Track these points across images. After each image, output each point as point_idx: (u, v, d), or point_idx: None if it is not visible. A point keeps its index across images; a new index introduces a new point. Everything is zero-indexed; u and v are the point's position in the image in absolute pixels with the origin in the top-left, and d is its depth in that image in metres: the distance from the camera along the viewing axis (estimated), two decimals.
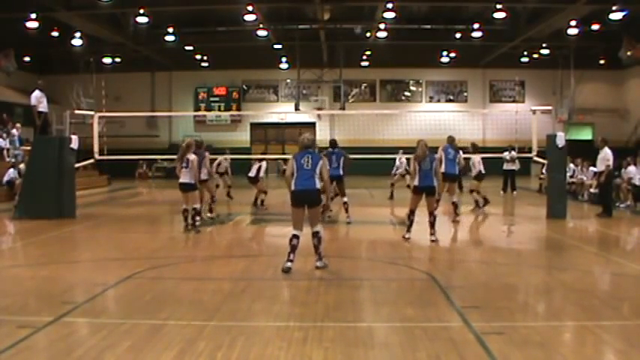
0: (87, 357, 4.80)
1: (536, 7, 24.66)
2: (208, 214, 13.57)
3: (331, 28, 29.11)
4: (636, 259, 9.49)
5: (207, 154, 13.55)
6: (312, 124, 33.76)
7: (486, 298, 6.80)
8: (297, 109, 31.46)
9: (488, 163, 17.96)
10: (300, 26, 29.45)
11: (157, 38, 29.70)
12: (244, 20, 26.02)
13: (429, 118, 27.28)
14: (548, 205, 14.27)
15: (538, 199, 17.47)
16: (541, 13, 25.37)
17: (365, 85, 36.02)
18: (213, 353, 4.87)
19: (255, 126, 35.30)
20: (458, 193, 14.11)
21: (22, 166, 18.38)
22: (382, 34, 28.97)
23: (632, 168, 17.00)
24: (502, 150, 21.14)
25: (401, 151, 19.11)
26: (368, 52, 33.40)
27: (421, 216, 10.87)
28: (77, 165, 15.03)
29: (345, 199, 13.42)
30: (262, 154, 17.82)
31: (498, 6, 24.41)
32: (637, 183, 16.69)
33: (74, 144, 14.33)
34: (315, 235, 8.06)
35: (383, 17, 25.65)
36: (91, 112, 19.06)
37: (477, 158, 16.34)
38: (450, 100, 35.62)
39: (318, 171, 8.05)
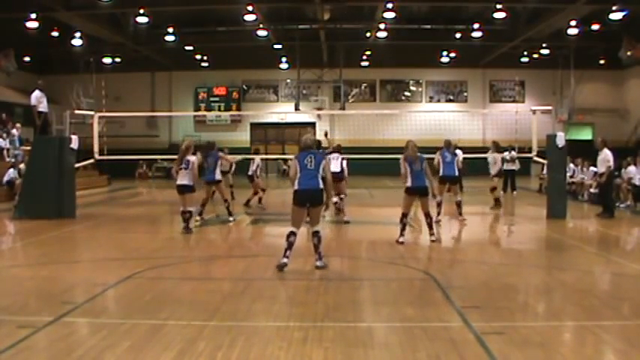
0: (87, 357, 4.80)
1: (536, 7, 24.66)
2: (230, 218, 13.51)
3: (331, 28, 29.11)
4: (636, 259, 9.49)
5: (220, 154, 13.55)
6: (312, 124, 33.79)
7: (486, 298, 6.79)
8: (297, 109, 31.47)
9: (488, 163, 17.99)
10: (300, 26, 29.46)
11: (157, 38, 29.70)
12: (244, 20, 26.04)
13: (429, 118, 27.31)
14: (548, 205, 14.27)
15: (538, 199, 17.47)
16: (541, 13, 25.38)
17: (365, 85, 36.03)
18: (213, 353, 4.87)
19: (255, 126, 35.31)
20: (459, 193, 14.10)
21: (22, 166, 18.38)
22: (382, 34, 28.97)
23: (632, 168, 17.00)
24: (502, 150, 21.11)
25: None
26: (368, 52, 33.41)
27: (422, 216, 10.86)
28: (77, 165, 15.03)
29: (336, 199, 13.43)
30: (255, 152, 17.77)
31: (498, 6, 24.42)
32: (637, 183, 16.69)
33: (74, 144, 14.33)
34: (315, 234, 8.08)
35: (383, 17, 25.66)
36: (91, 112, 19.06)
37: (498, 156, 16.47)
38: (450, 100, 35.63)
39: (321, 171, 8.10)
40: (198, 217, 13.27)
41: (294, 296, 7.07)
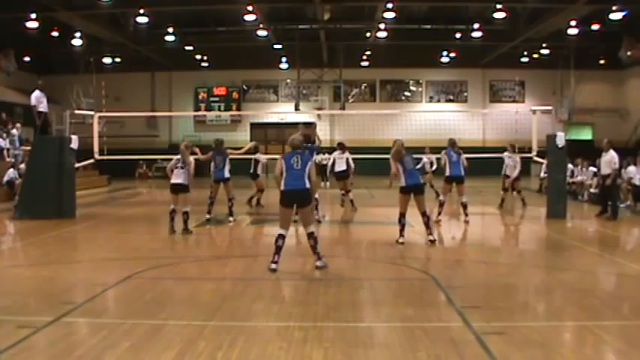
0: (87, 357, 4.80)
1: (536, 7, 24.65)
2: (230, 218, 13.51)
3: (331, 28, 29.11)
4: (636, 259, 9.49)
5: (228, 152, 13.54)
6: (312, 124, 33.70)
7: (486, 298, 6.80)
8: (297, 109, 31.46)
9: (489, 163, 17.99)
10: (300, 26, 29.46)
11: (157, 38, 29.70)
12: (244, 20, 26.02)
13: (429, 118, 27.38)
14: (548, 205, 14.27)
15: (538, 199, 17.46)
16: (541, 13, 25.37)
17: (365, 85, 36.03)
18: (213, 353, 4.87)
19: (255, 126, 35.31)
20: (465, 194, 14.05)
21: (22, 166, 18.38)
22: (382, 34, 28.96)
23: (632, 168, 17.01)
24: (502, 150, 21.11)
25: (427, 148, 18.90)
26: (368, 52, 33.41)
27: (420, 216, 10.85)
28: (77, 165, 15.04)
29: (316, 196, 13.42)
30: (255, 149, 17.76)
31: (498, 6, 24.41)
32: (637, 183, 16.69)
33: (74, 144, 14.33)
34: (310, 235, 8.06)
35: (383, 17, 25.65)
36: (91, 112, 19.08)
37: (518, 158, 16.54)
38: (450, 100, 35.63)
39: (307, 171, 8.07)
40: (208, 216, 13.30)
41: (294, 296, 7.07)
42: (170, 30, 29.01)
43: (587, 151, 22.58)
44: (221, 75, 35.15)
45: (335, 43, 31.12)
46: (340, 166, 16.08)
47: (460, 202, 13.34)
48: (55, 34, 28.32)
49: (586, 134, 34.47)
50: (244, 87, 35.93)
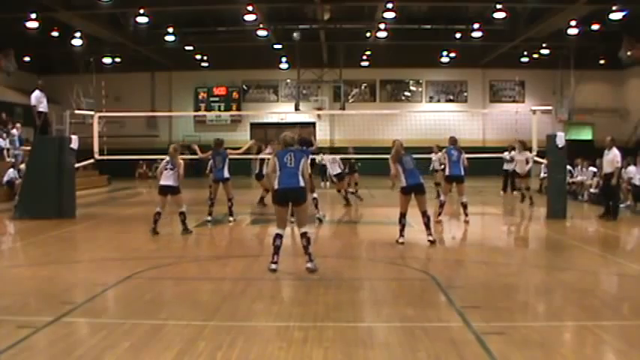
0: (87, 357, 4.80)
1: (536, 7, 24.65)
2: (230, 218, 13.52)
3: (331, 28, 29.11)
4: (636, 260, 9.49)
5: (227, 152, 13.54)
6: (312, 124, 33.78)
7: (486, 298, 6.79)
8: (297, 109, 31.46)
9: (489, 163, 18.00)
10: (300, 26, 29.44)
11: (157, 38, 29.69)
12: (244, 20, 26.02)
13: (429, 118, 27.38)
14: (548, 205, 14.27)
15: (538, 199, 17.46)
16: (541, 13, 25.37)
17: (365, 85, 36.02)
18: (213, 353, 4.87)
19: (255, 126, 35.30)
20: (465, 194, 14.06)
21: (22, 166, 18.38)
22: (382, 34, 28.95)
23: (632, 168, 17.01)
24: (502, 150, 21.15)
25: (436, 147, 18.85)
26: (368, 52, 33.39)
27: (420, 216, 10.84)
28: (77, 165, 15.04)
29: (315, 195, 13.43)
30: (257, 151, 17.79)
31: (498, 6, 24.41)
32: (637, 183, 16.69)
33: (74, 144, 14.33)
34: (304, 235, 7.95)
35: (383, 17, 25.64)
36: (91, 112, 19.07)
37: (529, 155, 16.64)
38: (450, 100, 35.62)
39: (301, 169, 7.97)
40: (209, 217, 13.29)
41: (294, 296, 7.08)
42: (170, 30, 29.01)
43: (587, 151, 22.58)
44: (221, 75, 35.14)
45: (335, 43, 31.12)
46: (335, 170, 16.78)
47: (460, 202, 13.31)
48: (55, 34, 28.31)
49: (586, 134, 34.45)
50: (244, 87, 35.92)
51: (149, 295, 6.91)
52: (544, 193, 17.69)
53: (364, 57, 33.88)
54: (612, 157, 13.81)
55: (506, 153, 20.96)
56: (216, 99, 35.51)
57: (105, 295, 6.91)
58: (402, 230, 10.23)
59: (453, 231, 12.59)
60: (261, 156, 16.77)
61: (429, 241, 10.15)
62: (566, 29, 27.25)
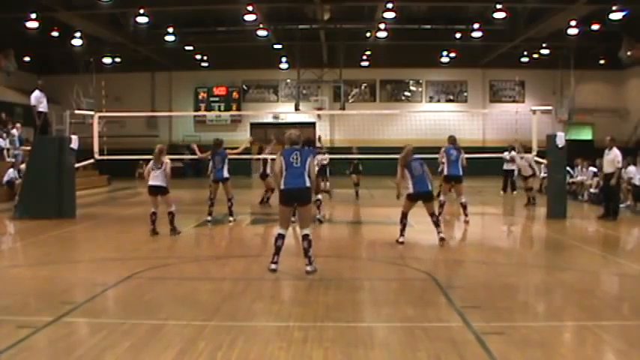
0: (87, 357, 4.80)
1: (536, 7, 24.65)
2: (230, 218, 13.52)
3: (331, 28, 29.11)
4: (636, 260, 9.49)
5: (227, 152, 13.54)
6: (312, 124, 33.78)
7: (486, 298, 6.79)
8: (297, 109, 31.45)
9: (489, 163, 17.99)
10: (300, 26, 29.45)
11: (157, 38, 29.70)
12: (244, 20, 26.03)
13: (429, 118, 27.38)
14: (548, 205, 14.27)
15: (538, 199, 17.45)
16: (541, 13, 25.37)
17: (365, 85, 36.02)
18: (213, 353, 4.87)
19: (255, 126, 35.30)
20: (464, 194, 14.05)
21: (22, 166, 18.38)
22: (382, 34, 28.96)
23: (632, 168, 17.00)
24: (503, 150, 21.15)
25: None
26: (368, 52, 33.40)
27: (420, 216, 10.85)
28: (77, 165, 15.04)
29: (320, 196, 13.45)
30: (259, 152, 17.82)
31: (498, 6, 24.42)
32: (637, 183, 16.69)
33: (74, 144, 14.33)
34: (305, 237, 7.86)
35: (383, 17, 25.65)
36: (91, 112, 19.07)
37: (530, 157, 16.61)
38: (450, 100, 35.62)
39: (307, 168, 7.86)
40: (209, 217, 13.28)
41: (294, 296, 7.07)
42: (170, 30, 29.01)
43: (587, 151, 22.57)
44: (221, 75, 35.14)
45: (335, 43, 31.11)
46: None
47: (459, 202, 13.29)
48: (55, 34, 28.32)
49: (586, 134, 34.45)
50: (244, 87, 35.91)
51: (149, 295, 6.91)
52: (544, 193, 17.70)
53: (364, 57, 33.88)
54: (613, 157, 13.78)
55: (506, 153, 20.96)
56: (216, 99, 35.52)
57: (105, 295, 6.91)
58: (402, 230, 10.23)
59: (453, 231, 12.58)
60: (262, 156, 16.77)
61: (440, 239, 10.07)
62: (566, 29, 27.26)
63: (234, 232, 12.67)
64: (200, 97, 35.57)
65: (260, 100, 35.77)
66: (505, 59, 32.61)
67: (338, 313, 6.09)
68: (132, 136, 31.47)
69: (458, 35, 30.02)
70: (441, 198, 13.27)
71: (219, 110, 34.95)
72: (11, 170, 19.09)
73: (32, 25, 24.65)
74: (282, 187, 7.89)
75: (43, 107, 14.95)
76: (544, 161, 15.80)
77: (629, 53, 28.54)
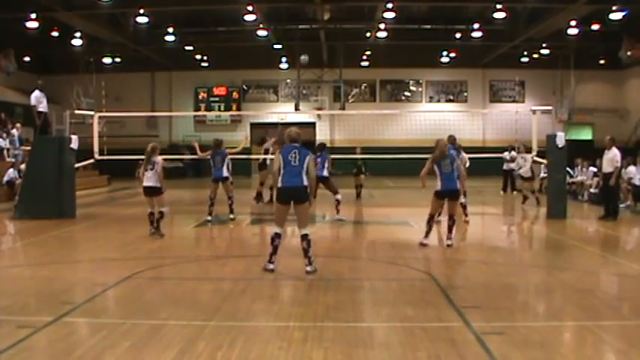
0: (87, 357, 4.80)
1: (536, 7, 24.65)
2: (231, 216, 13.52)
3: (331, 28, 29.11)
4: (636, 260, 9.49)
5: (227, 152, 13.56)
6: (312, 124, 33.78)
7: (486, 298, 6.79)
8: (297, 109, 31.45)
9: (489, 163, 17.97)
10: (300, 26, 29.44)
11: (157, 38, 29.69)
12: (244, 20, 26.02)
13: (429, 118, 27.36)
14: (548, 205, 14.27)
15: (538, 199, 17.44)
16: (541, 13, 25.37)
17: (365, 85, 36.02)
18: (213, 353, 4.87)
19: (255, 126, 35.27)
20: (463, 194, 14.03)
21: (22, 166, 18.38)
22: (382, 34, 28.96)
23: (632, 168, 17.01)
24: (502, 150, 21.16)
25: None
26: (368, 52, 33.40)
27: (421, 215, 10.85)
28: (77, 165, 15.03)
29: (339, 196, 13.46)
30: (261, 142, 17.87)
31: (498, 6, 24.41)
32: (637, 183, 16.70)
33: (74, 144, 14.33)
34: (304, 238, 7.83)
35: (383, 17, 25.65)
36: (91, 112, 19.06)
37: (528, 157, 16.56)
38: (450, 100, 35.62)
39: (305, 167, 7.80)
40: (209, 217, 13.29)
41: (294, 296, 7.07)
42: (170, 30, 29.00)
43: (587, 151, 22.57)
44: (221, 75, 35.14)
45: (335, 43, 31.11)
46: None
47: (459, 202, 13.26)
48: (55, 34, 28.30)
49: (586, 134, 34.45)
50: (244, 87, 35.91)
51: (149, 295, 6.91)
52: (544, 193, 17.69)
53: (364, 57, 33.88)
54: (612, 156, 13.81)
55: (506, 153, 20.97)
56: (216, 99, 35.50)
57: (105, 295, 6.91)
58: (428, 232, 9.96)
59: (453, 231, 12.56)
60: (265, 145, 16.83)
61: (447, 244, 9.86)
62: (566, 29, 27.25)
63: (234, 232, 12.68)
64: (200, 97, 35.55)
65: (260, 100, 35.76)
66: (505, 59, 32.60)
67: (338, 313, 6.09)
68: (132, 136, 31.44)
69: (458, 35, 30.00)
70: None
71: (219, 110, 34.93)
72: (11, 170, 19.09)
73: (32, 25, 24.63)
74: (279, 185, 7.86)
75: (43, 107, 14.95)
76: (544, 161, 15.80)
77: (629, 53, 28.54)
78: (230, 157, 13.67)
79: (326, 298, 6.70)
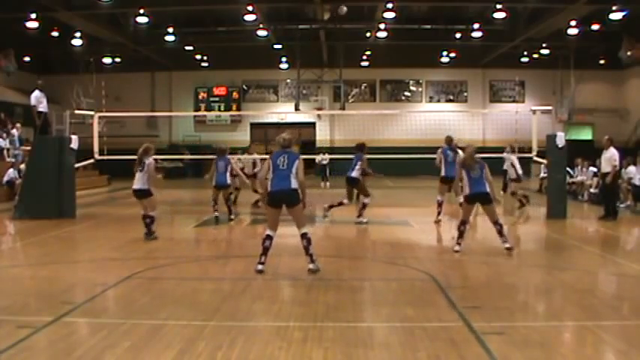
0: (87, 357, 4.80)
1: (536, 7, 24.67)
2: (231, 217, 13.56)
3: (331, 28, 29.11)
4: (636, 260, 9.48)
5: (230, 158, 13.61)
6: (312, 124, 33.78)
7: (486, 298, 6.79)
8: (297, 109, 31.47)
9: (489, 163, 17.89)
10: (300, 26, 29.46)
11: (157, 38, 29.72)
12: (244, 20, 26.04)
13: (429, 118, 27.40)
14: (548, 205, 14.27)
15: (538, 199, 17.45)
16: (541, 13, 25.39)
17: (365, 85, 36.05)
18: (213, 353, 4.87)
19: (255, 126, 35.31)
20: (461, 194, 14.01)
21: (22, 166, 18.38)
22: (382, 34, 28.97)
23: (632, 168, 17.01)
24: (502, 150, 21.11)
25: (508, 148, 18.34)
26: (368, 52, 33.42)
27: (421, 215, 10.83)
28: (77, 165, 15.03)
29: (367, 200, 13.41)
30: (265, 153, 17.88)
31: (498, 6, 24.44)
32: (637, 183, 16.69)
33: (74, 144, 14.33)
34: (304, 236, 7.86)
35: (383, 17, 25.66)
36: (91, 112, 19.05)
37: (514, 157, 16.35)
38: (450, 100, 35.65)
39: (294, 171, 7.86)
40: (217, 213, 13.32)
41: (294, 296, 7.07)
42: (170, 30, 29.03)
43: (587, 151, 22.56)
44: (221, 75, 35.16)
45: (335, 43, 31.12)
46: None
47: (459, 203, 13.24)
48: (55, 34, 28.33)
49: (586, 134, 34.46)
50: (244, 87, 35.93)
51: (149, 295, 6.91)
52: (544, 193, 17.66)
53: (364, 57, 33.90)
54: (610, 155, 13.83)
55: (505, 153, 20.92)
56: (216, 99, 35.55)
57: (105, 295, 6.91)
58: (459, 237, 9.68)
59: (453, 231, 12.55)
60: (256, 170, 16.78)
61: (506, 249, 9.51)
62: (566, 29, 27.27)
63: (234, 232, 12.68)
64: (200, 97, 35.59)
65: (260, 100, 35.80)
66: (505, 59, 32.63)
67: (338, 313, 6.09)
68: (132, 136, 31.43)
69: (458, 35, 30.03)
70: (438, 198, 13.26)
71: (219, 110, 34.98)
72: (11, 170, 19.09)
73: (32, 25, 24.66)
74: (269, 189, 7.95)
75: (43, 107, 14.95)
76: (544, 161, 15.78)
77: (629, 53, 28.56)
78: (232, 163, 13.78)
79: (326, 298, 6.70)
